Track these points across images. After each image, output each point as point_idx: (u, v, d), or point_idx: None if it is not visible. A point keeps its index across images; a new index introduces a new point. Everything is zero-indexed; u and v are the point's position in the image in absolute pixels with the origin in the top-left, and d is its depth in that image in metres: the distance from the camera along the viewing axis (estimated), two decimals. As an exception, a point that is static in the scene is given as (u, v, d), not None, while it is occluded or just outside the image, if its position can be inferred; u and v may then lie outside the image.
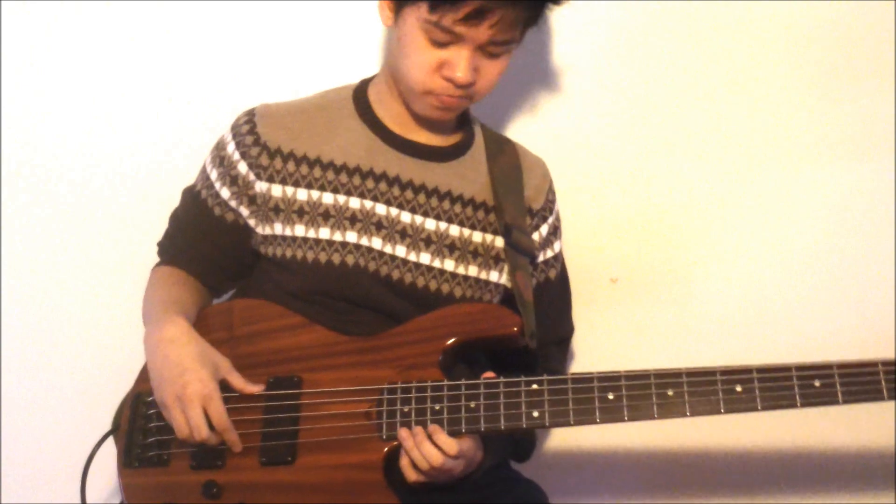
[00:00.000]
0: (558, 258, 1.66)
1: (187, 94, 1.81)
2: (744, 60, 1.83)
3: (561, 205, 1.81)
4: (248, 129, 1.54)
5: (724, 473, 1.93)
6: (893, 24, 1.81)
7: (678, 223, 1.87)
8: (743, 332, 1.87)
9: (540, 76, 1.84)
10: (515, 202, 1.57)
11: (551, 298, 1.65)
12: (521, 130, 1.80)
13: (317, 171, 1.52)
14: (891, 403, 1.77)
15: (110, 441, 1.51)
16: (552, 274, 1.64)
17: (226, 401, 1.42)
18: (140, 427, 1.48)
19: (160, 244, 1.64)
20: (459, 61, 1.42)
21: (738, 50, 1.83)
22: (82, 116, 1.82)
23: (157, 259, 1.65)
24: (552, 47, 1.83)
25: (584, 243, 1.87)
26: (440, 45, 1.42)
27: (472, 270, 1.54)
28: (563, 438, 1.91)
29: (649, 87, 1.84)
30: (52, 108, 1.82)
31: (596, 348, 1.86)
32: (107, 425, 1.52)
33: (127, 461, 1.47)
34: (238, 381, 1.45)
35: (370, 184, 1.52)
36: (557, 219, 1.66)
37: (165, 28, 1.80)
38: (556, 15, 1.74)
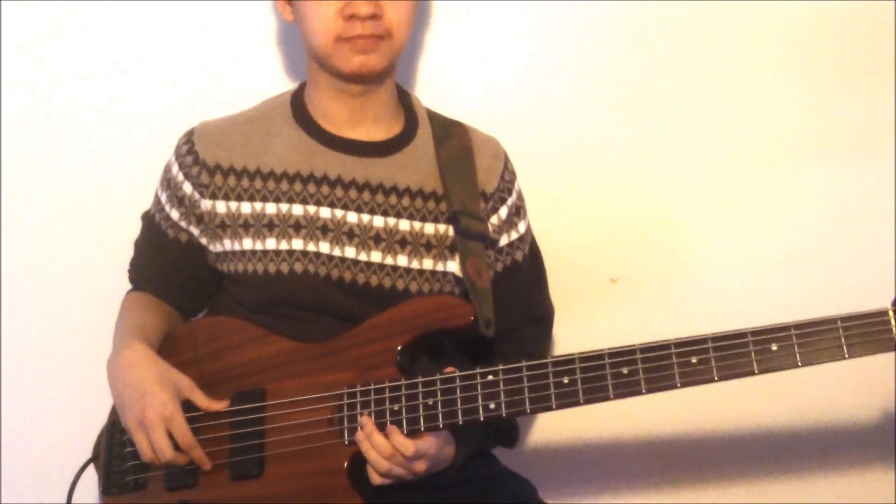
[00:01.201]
0: (524, 239, 1.63)
1: (189, 94, 1.84)
2: (744, 60, 1.84)
3: (562, 205, 1.84)
4: (188, 149, 1.56)
5: (717, 464, 1.92)
6: (893, 24, 1.81)
7: (678, 223, 1.88)
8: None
9: (540, 75, 1.85)
10: (465, 187, 1.55)
11: (521, 280, 1.62)
12: (522, 130, 1.81)
13: (257, 183, 1.52)
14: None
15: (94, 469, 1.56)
16: (519, 256, 1.62)
17: (192, 420, 1.45)
18: (117, 454, 1.52)
19: (128, 272, 1.68)
20: None
21: (739, 50, 1.84)
22: (83, 115, 1.86)
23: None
24: (553, 47, 1.84)
25: (584, 243, 1.87)
26: None
27: (427, 263, 1.52)
28: (553, 432, 1.91)
29: (649, 86, 1.85)
30: (53, 108, 1.86)
31: (595, 348, 1.84)
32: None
33: (106, 489, 1.51)
34: (201, 400, 1.47)
35: (311, 188, 1.51)
36: (520, 198, 1.63)
37: (166, 28, 1.84)
38: (559, 15, 1.82)
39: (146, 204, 1.66)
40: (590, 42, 1.83)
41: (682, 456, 1.92)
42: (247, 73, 1.84)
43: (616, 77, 1.84)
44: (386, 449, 1.36)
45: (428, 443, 1.38)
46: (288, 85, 1.66)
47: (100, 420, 1.58)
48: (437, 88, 1.81)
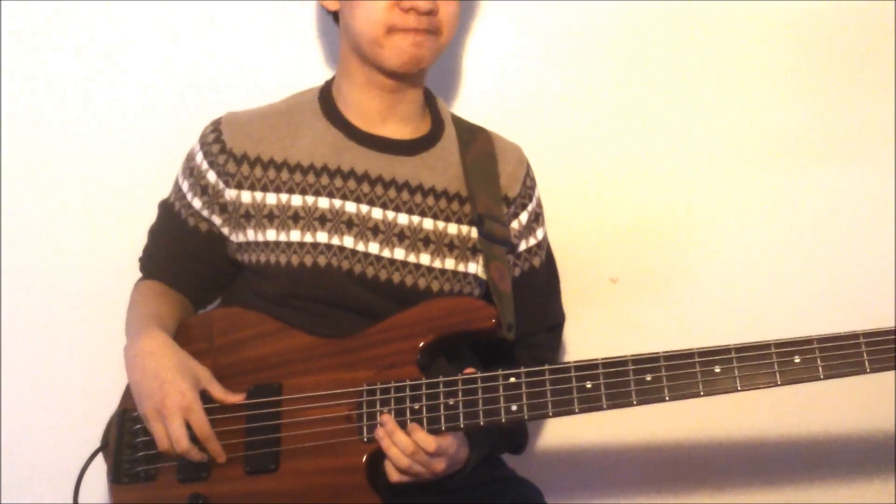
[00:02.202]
0: (542, 245, 1.67)
1: (189, 94, 1.86)
2: (744, 60, 1.87)
3: (561, 205, 1.85)
4: (214, 137, 1.57)
5: (722, 469, 1.96)
6: (893, 24, 1.85)
7: (678, 223, 1.91)
8: (743, 332, 1.83)
9: (540, 76, 1.88)
10: (489, 191, 1.59)
11: (537, 286, 1.66)
12: (522, 130, 1.82)
13: (284, 174, 1.54)
14: (891, 392, 1.84)
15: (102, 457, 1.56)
16: (536, 262, 1.66)
17: (208, 411, 1.46)
18: (127, 443, 1.52)
19: (141, 259, 1.69)
20: None
21: (738, 50, 1.87)
22: (85, 114, 1.88)
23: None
24: (553, 47, 1.87)
25: (584, 243, 1.91)
26: None
27: (449, 263, 1.55)
28: (559, 436, 1.94)
29: (649, 86, 1.88)
30: (54, 107, 1.88)
31: (596, 348, 1.86)
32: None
33: (116, 477, 1.52)
34: (218, 392, 1.48)
35: (338, 182, 1.54)
36: (539, 205, 1.68)
37: (168, 26, 1.86)
38: (558, 15, 1.84)
39: (148, 201, 1.68)
40: (590, 42, 1.86)
41: (687, 461, 1.95)
42: (248, 72, 1.86)
43: (616, 77, 1.87)
44: (408, 447, 1.39)
45: (448, 441, 1.41)
46: (306, 83, 1.67)
47: (103, 414, 1.58)
48: (437, 86, 1.82)
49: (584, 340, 1.87)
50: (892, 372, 1.73)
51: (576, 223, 1.90)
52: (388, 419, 1.41)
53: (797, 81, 1.87)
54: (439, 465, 1.41)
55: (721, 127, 1.89)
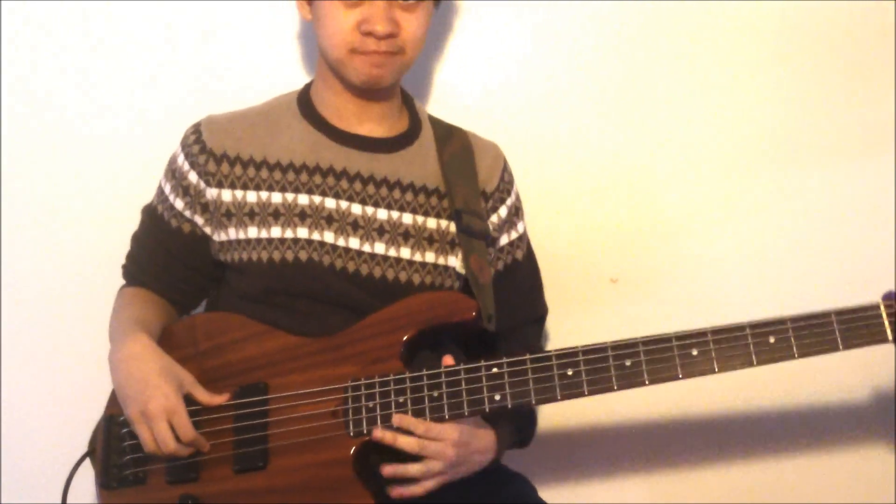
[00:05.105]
0: (523, 238, 1.77)
1: (187, 96, 1.93)
2: (744, 60, 1.94)
3: (561, 205, 1.92)
4: (195, 139, 1.66)
5: (719, 466, 2.01)
6: (893, 24, 1.91)
7: (678, 223, 1.98)
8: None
9: (540, 76, 1.95)
10: (467, 186, 1.67)
11: (521, 278, 1.76)
12: (521, 130, 1.91)
13: (264, 173, 1.62)
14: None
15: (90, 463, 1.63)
16: (519, 255, 1.75)
17: (194, 414, 1.54)
18: (115, 448, 1.60)
19: (124, 266, 1.77)
20: (375, 13, 1.55)
21: (738, 50, 1.94)
22: (84, 115, 1.95)
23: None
24: (552, 47, 1.94)
25: (584, 243, 1.97)
26: (353, 5, 1.55)
27: (430, 257, 1.64)
28: (553, 433, 1.99)
29: (649, 86, 1.95)
30: (52, 107, 1.94)
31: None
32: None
33: (105, 482, 1.59)
34: (202, 395, 1.56)
35: (318, 179, 1.62)
36: (518, 199, 1.77)
37: (167, 27, 1.93)
38: (557, 15, 1.91)
39: (144, 202, 1.74)
40: (590, 43, 1.94)
41: (682, 452, 2.01)
42: (244, 74, 1.93)
43: (616, 77, 1.95)
44: (412, 444, 1.47)
45: (447, 427, 1.48)
46: (289, 86, 1.75)
47: (91, 417, 1.65)
48: (437, 88, 1.92)
49: (584, 341, 1.88)
50: (893, 356, 1.83)
51: (576, 223, 1.97)
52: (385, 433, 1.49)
53: (797, 81, 1.94)
54: (449, 450, 1.48)
55: (721, 127, 1.95)
